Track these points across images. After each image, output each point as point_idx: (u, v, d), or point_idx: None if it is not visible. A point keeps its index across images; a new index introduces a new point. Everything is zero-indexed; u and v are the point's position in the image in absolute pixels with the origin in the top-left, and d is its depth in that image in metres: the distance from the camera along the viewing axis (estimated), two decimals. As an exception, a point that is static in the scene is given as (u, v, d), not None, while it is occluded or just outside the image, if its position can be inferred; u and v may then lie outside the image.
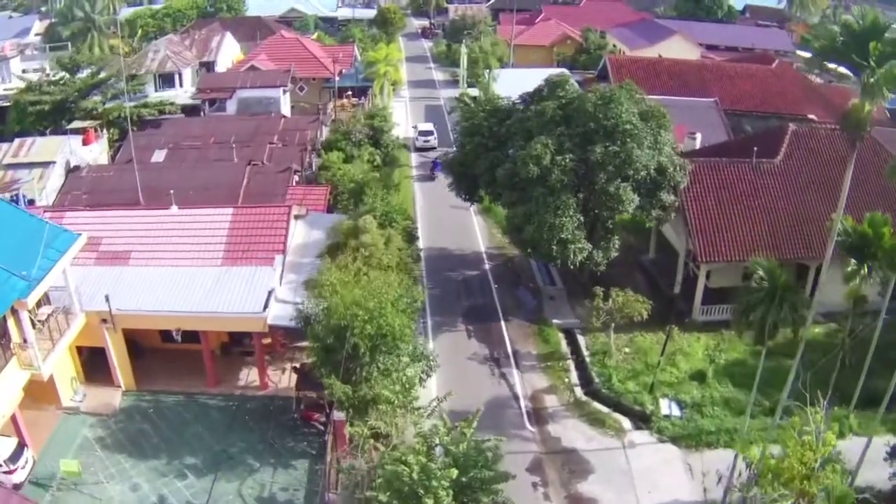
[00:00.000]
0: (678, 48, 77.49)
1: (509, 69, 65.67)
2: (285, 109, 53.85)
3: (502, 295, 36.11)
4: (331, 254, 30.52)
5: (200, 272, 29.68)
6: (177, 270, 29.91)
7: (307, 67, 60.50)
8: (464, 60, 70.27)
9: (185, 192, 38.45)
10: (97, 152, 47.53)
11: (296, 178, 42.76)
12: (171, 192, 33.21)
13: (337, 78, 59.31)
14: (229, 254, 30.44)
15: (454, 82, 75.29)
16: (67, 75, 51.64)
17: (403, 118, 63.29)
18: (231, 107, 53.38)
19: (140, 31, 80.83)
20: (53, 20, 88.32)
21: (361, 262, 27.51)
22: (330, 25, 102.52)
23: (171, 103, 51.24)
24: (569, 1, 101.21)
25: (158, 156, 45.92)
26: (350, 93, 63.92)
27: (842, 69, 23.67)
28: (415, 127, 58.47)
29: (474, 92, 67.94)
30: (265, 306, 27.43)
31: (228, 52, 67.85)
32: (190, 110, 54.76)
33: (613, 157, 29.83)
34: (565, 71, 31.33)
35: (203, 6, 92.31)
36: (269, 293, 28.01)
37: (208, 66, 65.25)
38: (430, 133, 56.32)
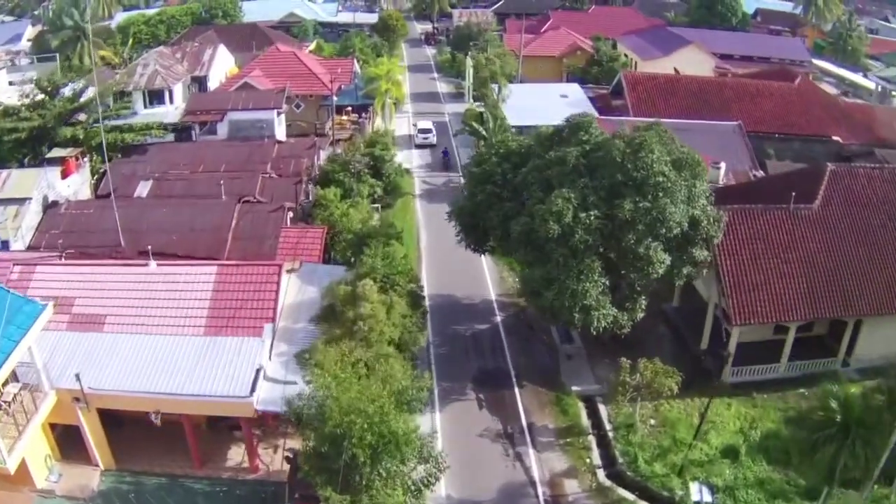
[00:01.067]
0: (693, 59, 74.36)
1: (518, 84, 62.30)
2: (280, 132, 50.67)
3: (515, 354, 33.01)
4: (326, 319, 27.51)
5: (182, 342, 26.65)
6: (156, 339, 26.90)
7: (304, 84, 57.27)
8: (469, 74, 67.00)
9: (169, 235, 35.62)
10: (78, 184, 44.33)
11: (290, 214, 39.67)
12: (149, 247, 30.02)
13: (335, 96, 56.14)
14: (213, 320, 27.37)
15: (459, 95, 72.04)
16: (47, 97, 48.37)
17: (406, 134, 60.34)
18: (222, 129, 50.20)
19: (132, 41, 77.49)
20: (44, 27, 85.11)
21: (360, 339, 24.45)
22: (330, 31, 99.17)
23: (159, 124, 47.94)
24: (577, 7, 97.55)
25: (142, 188, 42.76)
26: (350, 108, 60.78)
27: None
28: (415, 125, 61.56)
29: (480, 107, 65.05)
30: (252, 388, 24.42)
31: (221, 66, 64.60)
32: (181, 130, 51.61)
33: (644, 214, 26.69)
34: (588, 111, 27.86)
35: (198, 12, 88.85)
36: (258, 372, 24.99)
37: (200, 82, 62.07)
38: (429, 131, 59.72)
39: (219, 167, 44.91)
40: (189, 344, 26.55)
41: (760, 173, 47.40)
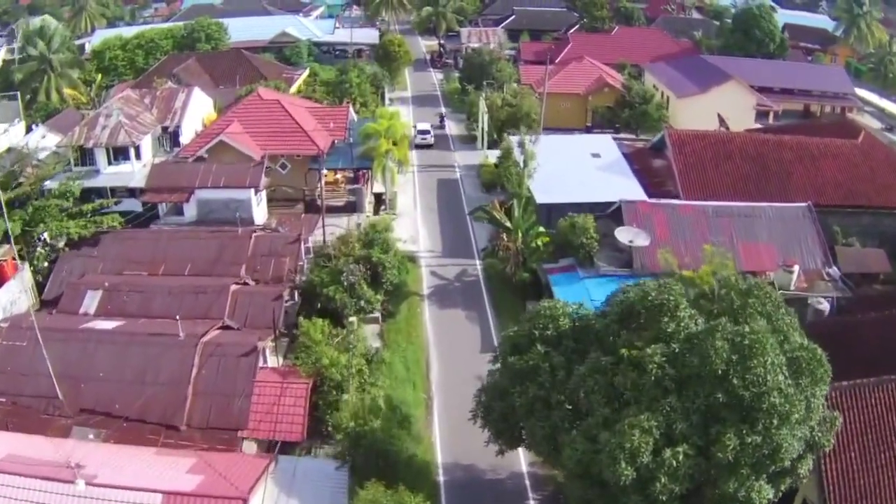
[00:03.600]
0: (733, 96, 66.29)
1: (542, 136, 53.88)
2: (258, 214, 42.51)
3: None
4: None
5: None
6: None
7: (290, 142, 48.91)
8: (483, 120, 58.67)
9: (116, 387, 28.37)
10: (16, 292, 36.37)
11: (269, 345, 31.72)
12: (75, 465, 21.81)
13: (324, 156, 47.99)
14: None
15: (471, 139, 63.57)
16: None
17: (411, 197, 52.08)
18: (190, 210, 42.13)
19: (98, 78, 69.10)
20: (12, 56, 76.67)
21: None
22: (326, 52, 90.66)
23: (113, 217, 39.86)
24: (598, 26, 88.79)
25: (90, 301, 34.75)
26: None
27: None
28: (414, 126, 63.34)
29: (493, 156, 56.82)
30: None
31: (197, 112, 56.31)
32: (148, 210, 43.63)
33: (753, 450, 18.69)
34: (673, 284, 19.25)
35: (178, 35, 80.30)
36: None
37: (173, 135, 53.86)
38: (427, 132, 63.04)
39: (183, 268, 37.08)
40: None
41: (835, 270, 39.33)
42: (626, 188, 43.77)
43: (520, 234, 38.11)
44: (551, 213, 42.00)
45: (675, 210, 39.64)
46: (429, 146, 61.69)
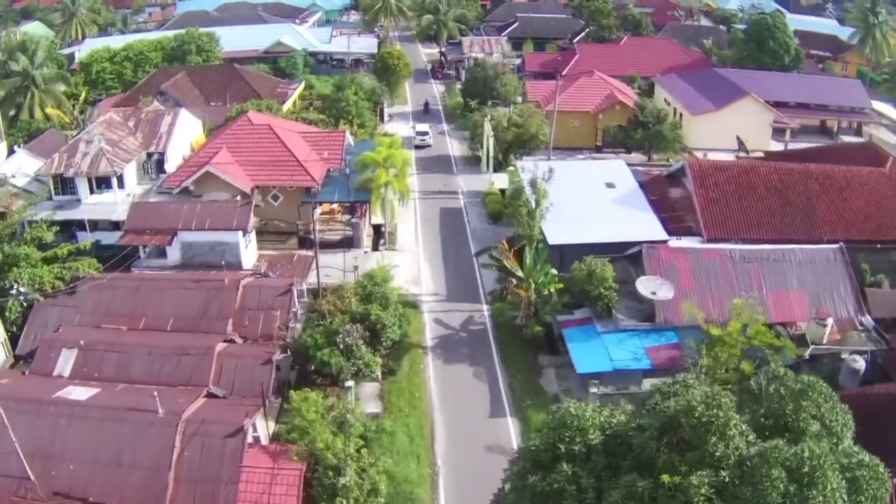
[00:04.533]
0: (750, 113, 63.81)
1: (549, 162, 50.87)
2: (247, 258, 39.46)
3: None
4: None
5: None
6: None
7: (282, 172, 45.70)
8: (488, 144, 55.57)
9: (91, 468, 25.87)
10: (-13, 348, 33.52)
11: (259, 420, 28.75)
12: None
13: (320, 187, 45.09)
14: None
15: (475, 160, 60.45)
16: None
17: (412, 229, 48.99)
18: (173, 253, 39.10)
19: (84, 93, 65.91)
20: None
21: None
22: (322, 62, 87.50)
23: (90, 262, 36.88)
24: (605, 35, 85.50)
25: (64, 362, 31.78)
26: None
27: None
28: (413, 127, 66.54)
29: (501, 181, 53.79)
30: None
31: (184, 135, 53.25)
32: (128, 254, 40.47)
33: None
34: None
35: (168, 46, 77.05)
36: None
37: (159, 161, 50.83)
38: (425, 133, 65.36)
39: (165, 322, 34.10)
40: None
41: (868, 319, 36.35)
42: (645, 226, 40.85)
43: (532, 285, 35.04)
44: (564, 254, 39.03)
45: (700, 255, 36.64)
46: (427, 146, 63.92)
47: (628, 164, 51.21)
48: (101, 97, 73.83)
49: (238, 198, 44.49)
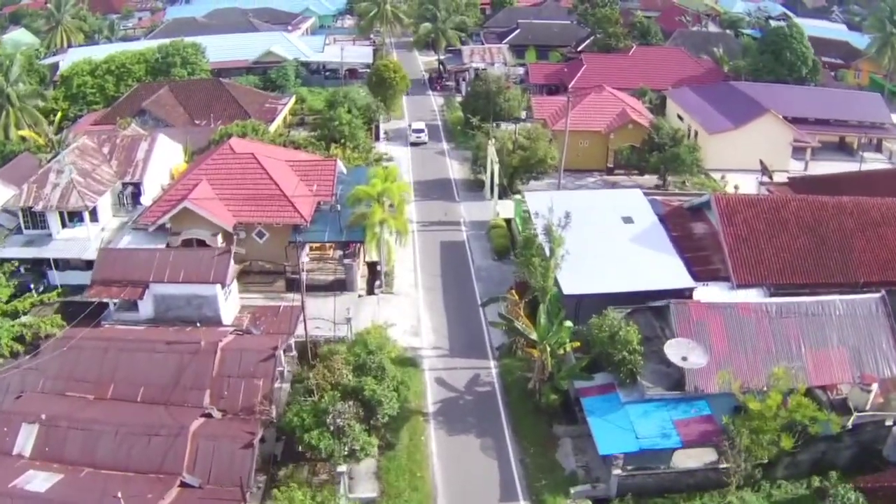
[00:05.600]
0: (769, 131, 60.54)
1: (559, 192, 47.09)
2: (227, 312, 35.51)
3: None
4: None
5: None
6: None
7: (267, 208, 41.61)
8: (493, 169, 51.59)
9: None
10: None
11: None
12: None
13: (306, 223, 41.29)
14: None
15: (478, 185, 56.45)
16: None
17: (411, 268, 45.02)
18: (145, 307, 35.18)
19: (59, 115, 61.80)
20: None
21: None
22: (315, 72, 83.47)
23: (55, 311, 33.02)
24: (612, 44, 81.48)
25: (24, 440, 28.15)
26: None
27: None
28: (409, 125, 67.66)
29: (506, 210, 49.84)
30: None
31: (163, 163, 49.21)
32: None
33: None
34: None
35: (152, 59, 72.92)
36: None
37: (134, 191, 46.77)
38: (421, 131, 66.39)
39: (135, 392, 30.29)
40: None
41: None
42: (668, 271, 37.01)
43: (548, 348, 31.16)
44: (580, 304, 35.18)
45: (734, 312, 32.68)
46: (423, 143, 65.39)
47: (643, 189, 47.53)
48: (82, 112, 69.98)
49: (219, 236, 40.70)
